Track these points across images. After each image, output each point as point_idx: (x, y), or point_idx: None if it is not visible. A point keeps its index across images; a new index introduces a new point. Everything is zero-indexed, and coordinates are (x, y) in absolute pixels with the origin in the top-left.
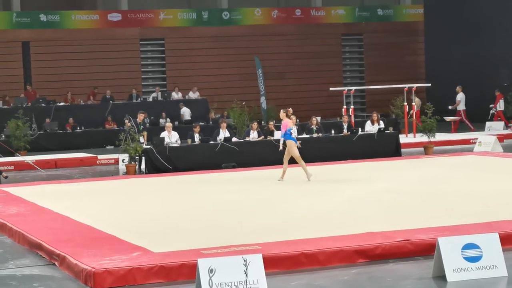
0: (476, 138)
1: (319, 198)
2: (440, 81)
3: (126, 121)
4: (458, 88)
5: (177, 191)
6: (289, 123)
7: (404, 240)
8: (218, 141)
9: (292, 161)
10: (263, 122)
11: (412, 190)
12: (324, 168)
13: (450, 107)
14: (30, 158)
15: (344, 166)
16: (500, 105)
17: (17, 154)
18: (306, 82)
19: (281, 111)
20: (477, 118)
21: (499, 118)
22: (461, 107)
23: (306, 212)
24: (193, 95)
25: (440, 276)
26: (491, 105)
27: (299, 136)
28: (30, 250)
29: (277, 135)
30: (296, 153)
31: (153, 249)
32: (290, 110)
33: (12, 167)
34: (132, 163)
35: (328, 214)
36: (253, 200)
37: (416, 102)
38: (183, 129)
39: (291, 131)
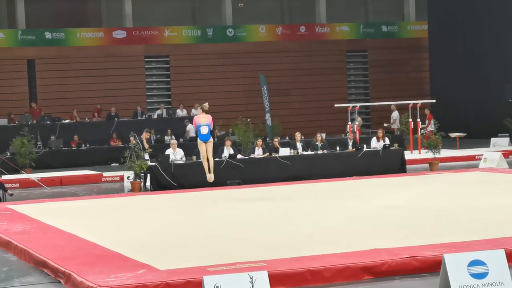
0: (481, 155)
1: (324, 214)
2: (445, 97)
3: (131, 138)
4: (392, 107)
5: (182, 208)
6: (200, 119)
7: (410, 257)
8: (223, 158)
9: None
10: (268, 139)
11: (418, 206)
12: (329, 185)
13: (385, 125)
14: (35, 176)
15: (349, 183)
16: (431, 126)
17: (22, 171)
18: (310, 99)
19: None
20: (481, 134)
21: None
22: (396, 125)
23: (312, 229)
24: (196, 112)
25: None
26: (423, 126)
27: (304, 153)
28: (35, 267)
29: (282, 152)
30: (203, 151)
31: (158, 266)
32: (205, 105)
33: (17, 185)
34: (137, 180)
35: (333, 231)
36: (258, 217)
37: (359, 121)
38: (189, 146)
39: (201, 127)
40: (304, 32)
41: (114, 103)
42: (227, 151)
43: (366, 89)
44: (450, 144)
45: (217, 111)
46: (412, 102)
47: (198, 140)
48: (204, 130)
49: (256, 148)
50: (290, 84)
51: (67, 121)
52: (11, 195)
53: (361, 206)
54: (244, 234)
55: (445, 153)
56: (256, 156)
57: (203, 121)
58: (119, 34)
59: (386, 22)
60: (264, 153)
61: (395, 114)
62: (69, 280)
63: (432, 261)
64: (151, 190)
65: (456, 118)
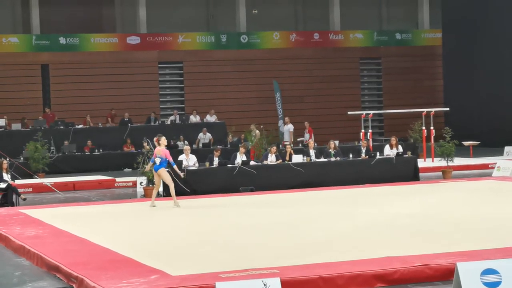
0: (495, 163)
1: (337, 222)
2: (459, 105)
3: (145, 144)
4: (286, 119)
5: (194, 214)
6: (159, 152)
7: (422, 265)
8: (236, 165)
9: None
10: (280, 146)
11: (431, 214)
12: (342, 192)
13: (298, 139)
14: (48, 181)
15: (362, 190)
16: (307, 138)
17: (36, 176)
18: (324, 106)
19: (154, 138)
20: (495, 142)
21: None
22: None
23: (324, 236)
24: (210, 118)
25: None
26: (301, 138)
27: (317, 160)
28: (48, 272)
29: (295, 158)
30: (167, 178)
31: (171, 272)
32: (161, 138)
33: (30, 189)
34: (150, 186)
35: (346, 238)
36: (270, 224)
37: (256, 134)
38: (202, 152)
39: (155, 160)
40: (318, 39)
41: (127, 109)
42: (240, 157)
43: (380, 97)
44: (464, 152)
45: (230, 118)
46: (425, 110)
47: (160, 169)
48: (158, 161)
49: (270, 154)
50: (304, 91)
51: (80, 126)
52: (24, 199)
53: (374, 213)
54: (257, 240)
55: (458, 161)
56: (269, 163)
57: (160, 153)
58: (133, 40)
59: (400, 29)
60: (277, 159)
61: (290, 127)
62: (82, 285)
63: (445, 270)
64: (164, 196)
65: (469, 127)
